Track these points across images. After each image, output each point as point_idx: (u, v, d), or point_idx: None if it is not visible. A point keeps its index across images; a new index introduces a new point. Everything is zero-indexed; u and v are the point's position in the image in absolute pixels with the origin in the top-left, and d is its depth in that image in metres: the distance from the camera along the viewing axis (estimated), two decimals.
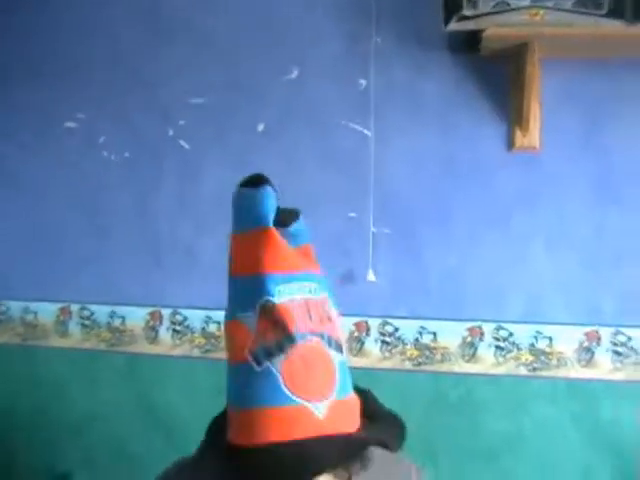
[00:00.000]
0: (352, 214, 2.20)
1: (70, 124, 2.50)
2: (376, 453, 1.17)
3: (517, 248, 2.16)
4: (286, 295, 1.04)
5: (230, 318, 1.07)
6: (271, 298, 1.03)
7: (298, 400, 1.01)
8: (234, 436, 1.04)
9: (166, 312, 2.42)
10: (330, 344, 1.07)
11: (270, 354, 1.01)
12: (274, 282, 1.04)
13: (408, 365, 2.24)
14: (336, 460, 1.03)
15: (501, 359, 2.20)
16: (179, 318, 2.41)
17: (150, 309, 2.43)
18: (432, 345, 2.23)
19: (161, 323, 2.43)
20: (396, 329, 2.25)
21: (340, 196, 2.22)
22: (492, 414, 2.21)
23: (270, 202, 1.07)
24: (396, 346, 2.25)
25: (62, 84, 2.50)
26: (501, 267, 2.17)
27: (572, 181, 2.12)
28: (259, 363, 1.01)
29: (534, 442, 2.19)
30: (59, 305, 2.53)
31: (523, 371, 2.19)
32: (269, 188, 1.08)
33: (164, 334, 2.42)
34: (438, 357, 2.23)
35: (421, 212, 2.21)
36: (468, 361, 2.21)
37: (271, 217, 1.06)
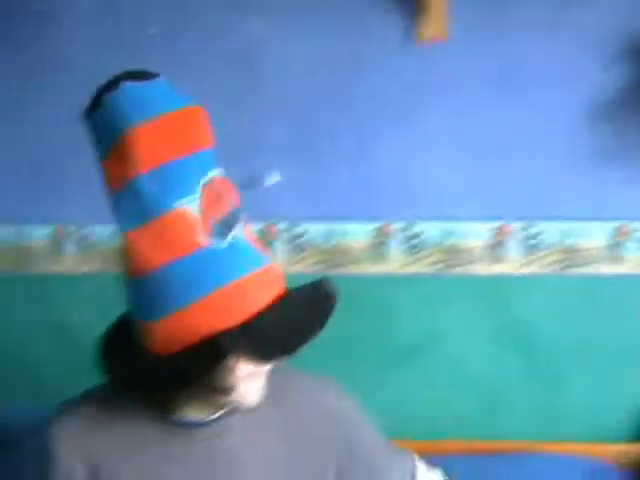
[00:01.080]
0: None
1: None
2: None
3: (422, 144, 2.13)
4: (219, 170, 1.00)
5: (155, 215, 0.94)
6: (215, 172, 0.98)
7: (267, 259, 0.99)
8: (206, 327, 0.92)
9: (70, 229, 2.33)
10: None
11: (230, 226, 0.95)
12: (211, 157, 0.99)
13: (320, 267, 2.22)
14: (333, 304, 1.01)
15: (411, 258, 2.18)
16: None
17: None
18: (342, 247, 2.21)
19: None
20: (306, 230, 2.21)
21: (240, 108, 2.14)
22: (407, 314, 2.21)
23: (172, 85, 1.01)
24: (304, 249, 2.21)
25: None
26: (408, 165, 2.14)
27: (480, 69, 2.07)
28: (222, 239, 0.94)
29: (449, 340, 2.21)
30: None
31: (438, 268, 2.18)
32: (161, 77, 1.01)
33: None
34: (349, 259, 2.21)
35: (316, 109, 2.15)
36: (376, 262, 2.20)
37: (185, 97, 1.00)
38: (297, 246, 2.22)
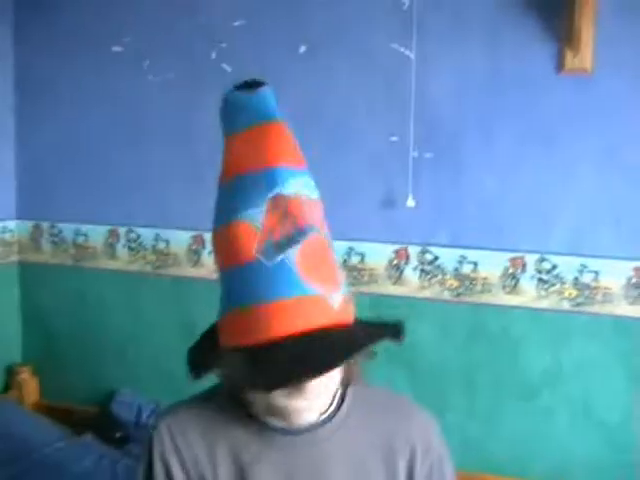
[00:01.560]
0: (393, 138, 2.13)
1: (116, 48, 2.51)
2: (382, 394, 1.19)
3: (563, 173, 2.07)
4: (295, 189, 0.99)
5: (226, 222, 0.99)
6: (282, 191, 0.98)
7: (315, 290, 0.97)
8: (241, 337, 0.99)
9: (208, 236, 2.42)
10: (329, 241, 1.04)
11: (282, 248, 0.96)
12: (285, 174, 0.99)
13: (447, 295, 2.20)
14: (373, 341, 0.98)
15: (543, 292, 2.12)
16: None
17: (193, 233, 2.46)
18: (472, 275, 2.17)
19: (204, 247, 2.45)
20: (436, 257, 2.20)
21: (381, 120, 2.16)
22: (533, 349, 2.16)
23: (273, 98, 1.04)
24: (436, 275, 2.20)
25: (109, 8, 2.51)
26: (545, 194, 2.09)
27: (624, 104, 2.00)
28: (270, 258, 0.96)
29: (575, 380, 2.14)
30: (108, 227, 2.59)
31: (566, 306, 2.11)
32: (268, 87, 1.05)
33: (206, 258, 2.44)
34: (478, 288, 2.17)
35: (464, 135, 2.14)
36: (509, 293, 2.15)
37: (278, 112, 1.03)
38: (426, 272, 2.21)
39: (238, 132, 1.03)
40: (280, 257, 0.96)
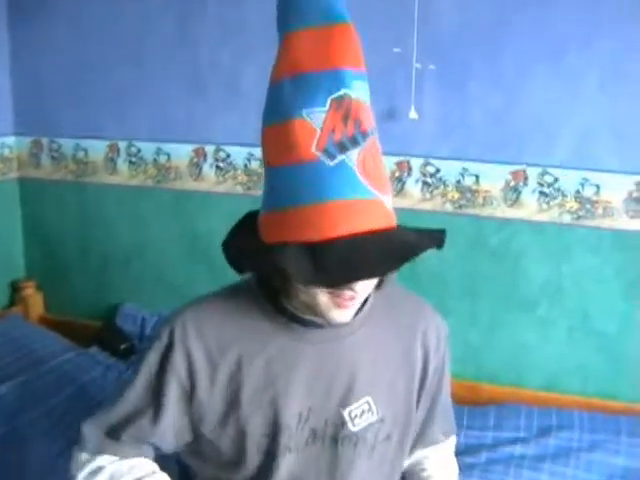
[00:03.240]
0: (396, 49, 2.10)
1: None
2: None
3: (568, 87, 2.05)
4: (358, 93, 1.00)
5: (283, 119, 1.00)
6: (347, 92, 0.98)
7: (374, 192, 0.99)
8: (297, 234, 0.99)
9: (210, 149, 2.43)
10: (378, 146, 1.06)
11: (343, 148, 0.97)
12: (351, 76, 0.99)
13: (449, 207, 2.21)
14: (425, 246, 1.00)
15: (545, 205, 2.14)
16: (222, 155, 2.42)
17: (194, 146, 2.45)
18: (474, 188, 2.18)
19: (205, 160, 2.44)
20: (438, 170, 2.20)
21: (383, 29, 2.12)
22: (533, 261, 2.18)
23: None
24: (437, 187, 2.21)
25: None
26: (550, 107, 2.07)
27: (630, 17, 1.96)
28: (332, 157, 0.97)
29: (573, 292, 2.17)
30: (107, 142, 2.57)
31: (567, 219, 2.12)
32: None
33: (208, 171, 2.44)
34: (480, 200, 2.18)
35: (468, 47, 2.10)
36: (511, 206, 2.16)
37: (346, 13, 1.02)
38: (428, 184, 2.21)
39: (302, 29, 1.01)
40: (341, 157, 0.97)
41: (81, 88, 2.57)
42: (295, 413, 1.15)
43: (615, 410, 2.09)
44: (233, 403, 1.14)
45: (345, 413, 1.17)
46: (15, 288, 2.81)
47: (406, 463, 1.33)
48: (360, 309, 1.15)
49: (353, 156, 0.97)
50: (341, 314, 1.07)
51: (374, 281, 1.07)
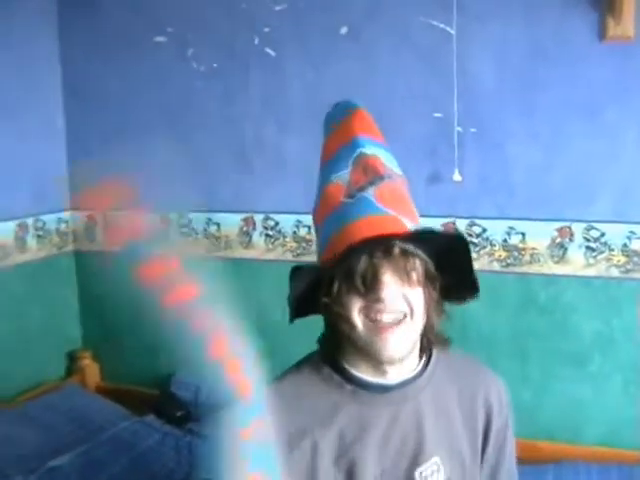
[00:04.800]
0: (437, 114, 2.17)
1: (159, 38, 2.57)
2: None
3: (607, 142, 2.09)
4: (373, 151, 1.18)
5: (321, 186, 1.21)
6: (363, 150, 1.17)
7: (391, 212, 1.12)
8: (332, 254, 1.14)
9: (258, 217, 2.50)
10: (408, 191, 1.21)
11: (363, 189, 1.14)
12: (365, 141, 1.18)
13: (496, 266, 2.24)
14: (426, 233, 1.14)
15: (592, 260, 2.15)
16: (271, 223, 2.49)
17: (243, 215, 2.52)
18: (521, 246, 2.21)
19: (254, 228, 2.52)
20: (484, 230, 2.24)
21: (424, 96, 2.20)
22: (582, 316, 2.20)
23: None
24: (484, 247, 2.24)
25: (150, 1, 2.58)
26: (590, 162, 2.12)
27: None
28: (352, 197, 1.14)
29: (625, 345, 2.17)
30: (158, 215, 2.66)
31: (615, 272, 2.14)
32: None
33: (257, 239, 2.51)
34: (527, 258, 2.21)
35: (506, 108, 2.17)
36: (557, 262, 2.18)
37: (358, 104, 1.24)
38: (474, 244, 2.25)
39: (332, 128, 1.25)
40: (360, 194, 1.14)
41: (131, 163, 2.67)
42: (370, 477, 1.19)
43: None
44: (312, 476, 1.18)
45: (416, 474, 1.21)
46: (72, 358, 2.88)
47: None
48: (421, 373, 1.22)
49: (370, 191, 1.13)
50: (384, 344, 1.13)
51: (406, 297, 1.14)
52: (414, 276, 1.14)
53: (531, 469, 2.09)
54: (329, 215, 1.17)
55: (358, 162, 1.16)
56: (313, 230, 1.26)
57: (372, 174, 1.15)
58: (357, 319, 1.14)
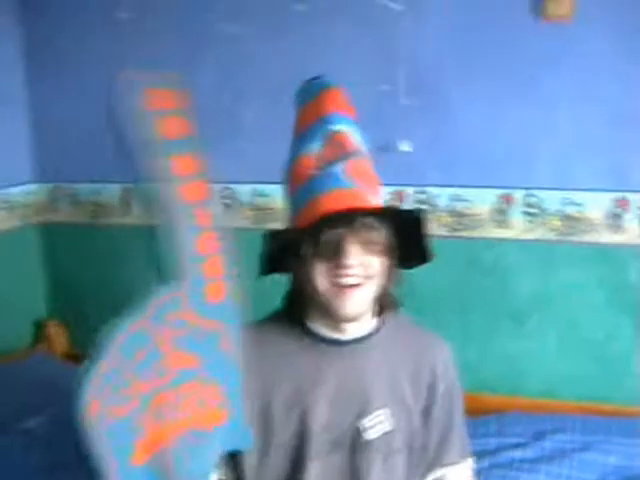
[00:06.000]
0: (384, 86, 2.30)
1: (122, 15, 2.64)
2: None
3: (544, 113, 2.23)
4: (345, 128, 1.28)
5: (292, 159, 1.31)
6: (334, 127, 1.27)
7: (357, 186, 1.23)
8: (302, 223, 1.24)
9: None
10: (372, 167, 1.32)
11: (331, 164, 1.24)
12: (336, 118, 1.28)
13: (443, 231, 2.38)
14: (388, 210, 1.31)
15: (531, 225, 2.30)
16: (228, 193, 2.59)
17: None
18: (465, 212, 2.35)
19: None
20: (431, 197, 2.37)
21: (372, 70, 2.32)
22: (522, 277, 2.35)
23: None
24: (431, 213, 2.37)
25: None
26: (528, 133, 2.25)
27: (599, 50, 2.15)
28: (322, 170, 1.24)
29: (560, 304, 2.34)
30: (122, 185, 2.75)
31: (552, 236, 2.29)
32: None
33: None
34: (471, 223, 2.36)
35: (449, 81, 2.29)
36: (499, 227, 2.33)
37: (333, 83, 1.33)
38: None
39: (306, 103, 1.34)
40: (329, 169, 1.24)
41: (96, 136, 2.74)
42: (318, 426, 1.32)
43: (606, 413, 2.23)
44: (266, 419, 1.31)
45: (360, 425, 1.34)
46: (39, 327, 2.97)
47: None
48: (375, 333, 1.36)
49: (339, 167, 1.23)
50: (343, 303, 1.26)
51: (365, 265, 1.25)
52: (374, 246, 1.25)
53: (475, 420, 2.25)
54: (300, 186, 1.27)
55: (329, 138, 1.26)
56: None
57: (341, 150, 1.25)
58: (321, 281, 1.25)
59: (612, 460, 2.03)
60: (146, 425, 1.04)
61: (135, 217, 2.76)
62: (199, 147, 1.10)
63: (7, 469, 2.08)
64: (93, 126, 2.70)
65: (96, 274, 2.90)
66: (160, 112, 1.07)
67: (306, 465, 1.32)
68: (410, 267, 1.35)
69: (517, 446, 2.13)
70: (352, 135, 1.28)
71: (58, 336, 2.96)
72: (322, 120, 1.29)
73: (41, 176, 2.91)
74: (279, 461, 1.34)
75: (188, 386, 1.09)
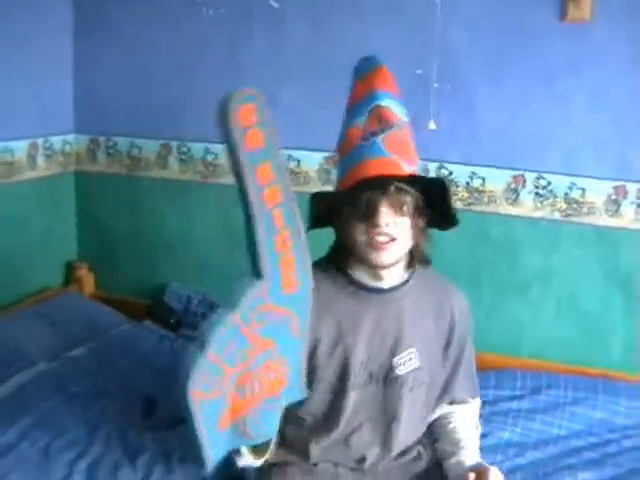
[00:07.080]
0: (419, 71, 2.51)
1: None
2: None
3: (560, 107, 2.46)
4: (387, 103, 1.47)
5: (343, 131, 1.52)
6: (378, 102, 1.46)
7: (394, 156, 1.42)
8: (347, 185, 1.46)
9: None
10: (412, 139, 1.53)
11: (375, 134, 1.43)
12: (382, 94, 1.48)
13: (460, 205, 2.60)
14: (419, 178, 1.48)
15: (539, 204, 2.55)
16: None
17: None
18: (481, 188, 2.59)
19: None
20: (450, 172, 2.61)
21: (409, 56, 2.52)
22: (527, 251, 2.60)
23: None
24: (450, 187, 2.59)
25: None
26: (545, 123, 2.48)
27: (614, 51, 2.37)
28: (367, 140, 1.43)
29: (561, 277, 2.59)
30: (160, 142, 2.94)
31: (557, 216, 2.54)
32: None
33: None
34: (485, 199, 2.59)
35: (478, 73, 2.51)
36: (511, 204, 2.57)
37: (381, 62, 1.53)
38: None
39: (358, 80, 1.55)
40: (373, 139, 1.43)
41: (138, 93, 2.93)
42: (358, 361, 1.56)
43: (593, 374, 2.50)
44: (312, 356, 1.52)
45: (394, 360, 1.59)
46: (70, 269, 3.16)
47: (436, 415, 1.72)
48: (406, 283, 1.58)
49: (380, 137, 1.42)
50: (378, 255, 1.48)
51: (397, 224, 1.46)
52: (405, 208, 1.46)
53: (477, 375, 2.51)
54: (347, 153, 1.49)
55: (374, 112, 1.45)
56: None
57: (383, 123, 1.45)
58: (359, 237, 1.48)
59: (597, 414, 2.30)
60: (231, 400, 1.26)
61: (168, 172, 2.95)
62: (276, 155, 1.23)
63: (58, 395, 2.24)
64: (133, 85, 2.93)
65: (126, 224, 3.09)
66: (247, 127, 1.19)
67: (346, 394, 1.56)
68: (439, 228, 1.58)
69: (513, 398, 2.39)
70: (394, 109, 1.48)
71: (87, 278, 3.16)
72: (370, 95, 1.47)
73: (82, 128, 3.08)
74: (323, 392, 1.57)
75: (264, 366, 1.30)
